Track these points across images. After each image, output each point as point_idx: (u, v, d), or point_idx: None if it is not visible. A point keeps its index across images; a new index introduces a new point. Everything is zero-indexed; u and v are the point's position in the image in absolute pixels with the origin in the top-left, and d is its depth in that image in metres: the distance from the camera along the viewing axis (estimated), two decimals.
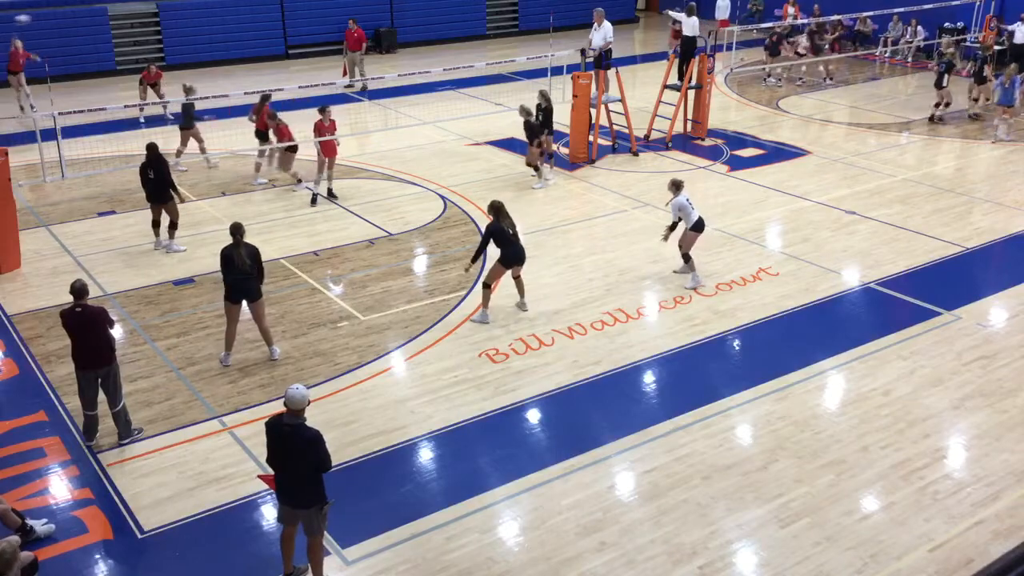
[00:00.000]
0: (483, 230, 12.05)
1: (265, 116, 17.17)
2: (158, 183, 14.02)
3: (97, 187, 17.55)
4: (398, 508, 8.75)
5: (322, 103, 18.52)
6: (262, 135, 17.47)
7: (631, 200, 16.74)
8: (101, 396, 9.56)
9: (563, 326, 12.16)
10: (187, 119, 18.12)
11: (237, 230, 10.83)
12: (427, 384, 10.84)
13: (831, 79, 25.87)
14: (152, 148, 13.99)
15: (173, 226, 14.42)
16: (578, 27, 29.68)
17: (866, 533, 8.43)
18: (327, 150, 16.56)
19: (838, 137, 20.97)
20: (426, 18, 30.91)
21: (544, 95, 17.42)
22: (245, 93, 19.40)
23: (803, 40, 26.84)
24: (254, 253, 10.93)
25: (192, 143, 18.17)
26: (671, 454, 9.55)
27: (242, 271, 10.80)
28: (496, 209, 12.03)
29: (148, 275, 13.68)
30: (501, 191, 17.07)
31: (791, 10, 29.58)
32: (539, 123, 17.11)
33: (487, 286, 12.20)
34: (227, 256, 10.85)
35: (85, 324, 9.29)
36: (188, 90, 18.08)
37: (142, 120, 21.34)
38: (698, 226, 13.22)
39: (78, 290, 9.36)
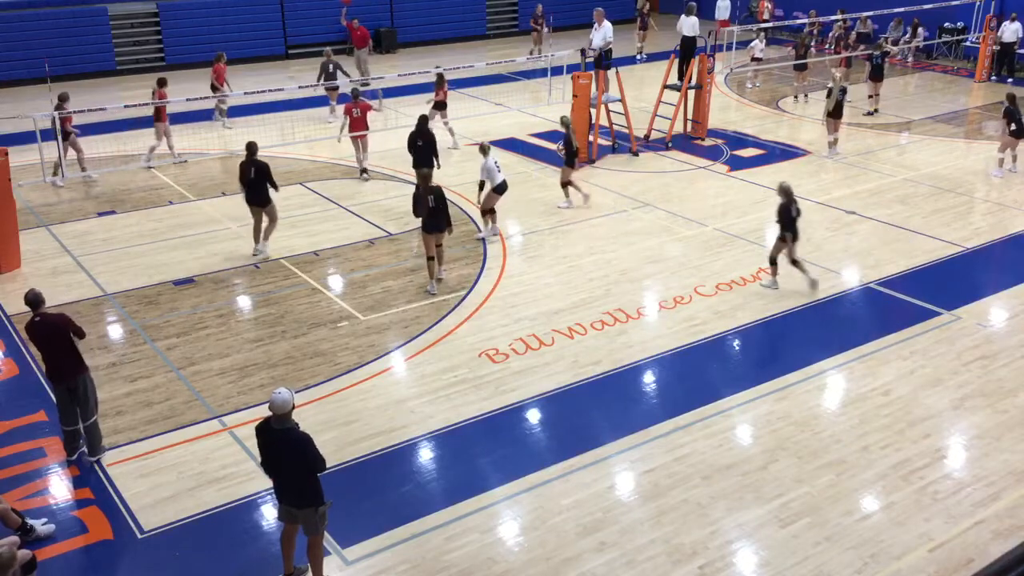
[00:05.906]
0: None
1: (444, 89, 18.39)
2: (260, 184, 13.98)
3: (97, 187, 17.56)
4: (398, 508, 8.75)
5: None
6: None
7: (631, 200, 16.73)
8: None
9: (563, 326, 12.16)
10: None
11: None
12: (427, 384, 10.84)
13: (805, 96, 24.14)
14: (252, 147, 13.97)
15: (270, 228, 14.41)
16: (578, 27, 29.68)
17: (866, 533, 8.43)
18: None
19: (838, 137, 20.92)
20: (426, 18, 30.92)
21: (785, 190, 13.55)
22: (245, 93, 19.39)
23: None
24: None
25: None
26: (671, 454, 9.55)
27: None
28: None
29: (148, 275, 13.68)
30: None
31: (767, 4, 29.55)
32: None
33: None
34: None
35: (46, 335, 9.07)
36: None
37: (220, 116, 21.11)
38: (500, 188, 14.69)
39: (30, 301, 9.08)
